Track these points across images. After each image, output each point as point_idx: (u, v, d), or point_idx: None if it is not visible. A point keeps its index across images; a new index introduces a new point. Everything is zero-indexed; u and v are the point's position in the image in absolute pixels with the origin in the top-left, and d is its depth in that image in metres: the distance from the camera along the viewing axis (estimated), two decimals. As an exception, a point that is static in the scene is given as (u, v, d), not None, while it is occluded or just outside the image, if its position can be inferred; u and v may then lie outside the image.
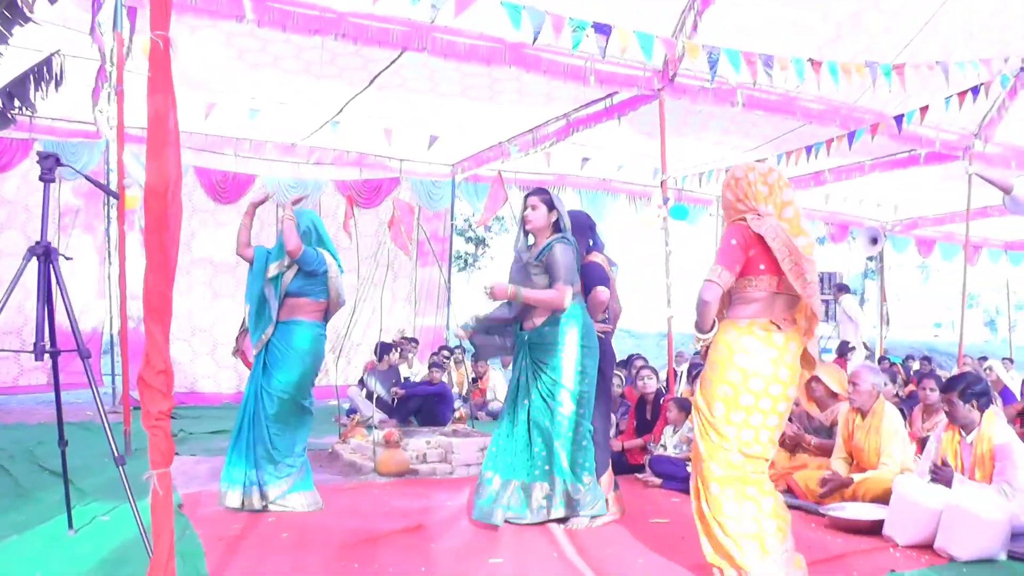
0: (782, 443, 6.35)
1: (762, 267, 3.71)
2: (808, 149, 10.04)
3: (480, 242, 28.58)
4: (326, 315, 5.36)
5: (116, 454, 3.69)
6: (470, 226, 25.61)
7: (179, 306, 2.99)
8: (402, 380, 9.61)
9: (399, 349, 10.44)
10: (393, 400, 9.05)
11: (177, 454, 6.36)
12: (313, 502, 5.21)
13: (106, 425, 3.72)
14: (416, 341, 11.59)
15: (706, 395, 3.78)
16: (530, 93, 9.07)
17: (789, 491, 5.67)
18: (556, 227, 5.01)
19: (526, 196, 5.07)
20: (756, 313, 3.74)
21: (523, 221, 5.04)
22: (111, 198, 9.80)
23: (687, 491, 4.01)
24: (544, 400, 4.86)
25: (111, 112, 8.85)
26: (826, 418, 6.18)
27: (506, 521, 4.75)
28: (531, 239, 5.10)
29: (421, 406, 8.97)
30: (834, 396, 6.16)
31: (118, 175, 6.70)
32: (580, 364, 4.88)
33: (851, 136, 9.15)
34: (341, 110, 9.68)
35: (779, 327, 3.73)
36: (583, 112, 9.62)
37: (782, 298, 3.75)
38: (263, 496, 5.08)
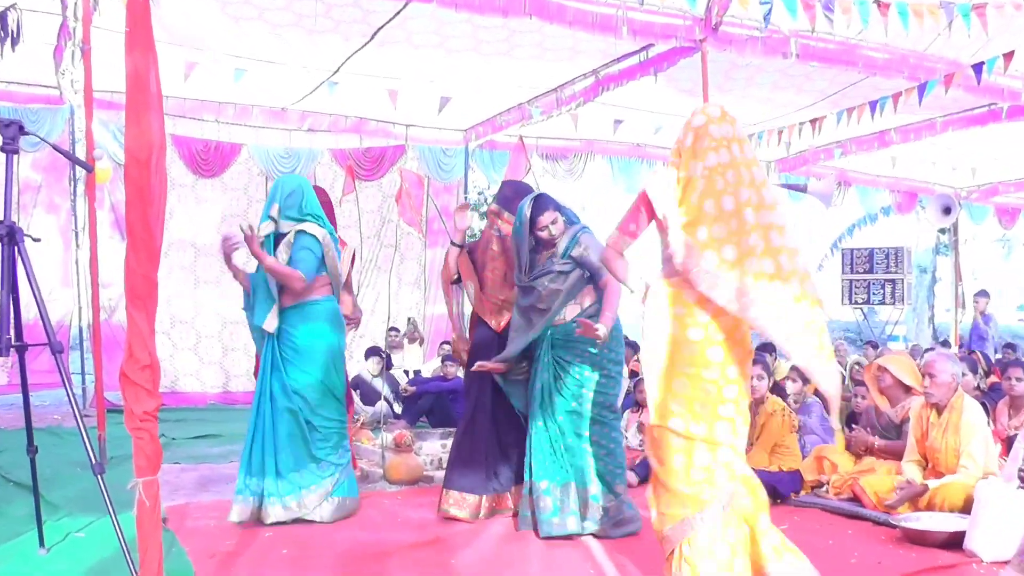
0: (847, 446, 6.34)
1: None
2: (872, 105, 9.91)
3: (497, 218, 28.51)
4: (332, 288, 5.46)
5: (94, 461, 3.72)
6: (486, 200, 25.56)
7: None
8: (409, 377, 9.61)
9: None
10: (400, 398, 9.06)
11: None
12: (355, 507, 5.36)
13: (82, 428, 3.75)
14: (396, 329, 11.49)
15: None
16: (553, 47, 8.99)
17: (855, 499, 5.66)
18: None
19: (533, 216, 5.02)
20: None
21: (543, 241, 5.06)
22: (76, 173, 9.82)
23: None
24: (567, 403, 4.93)
25: (76, 74, 8.84)
26: (896, 414, 6.15)
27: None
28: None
29: (433, 405, 8.95)
30: (906, 389, 6.11)
31: (87, 146, 6.69)
32: (605, 366, 4.95)
33: (921, 89, 9.01)
34: (338, 69, 9.64)
35: None
36: (614, 68, 9.52)
37: None
38: (301, 505, 5.13)
